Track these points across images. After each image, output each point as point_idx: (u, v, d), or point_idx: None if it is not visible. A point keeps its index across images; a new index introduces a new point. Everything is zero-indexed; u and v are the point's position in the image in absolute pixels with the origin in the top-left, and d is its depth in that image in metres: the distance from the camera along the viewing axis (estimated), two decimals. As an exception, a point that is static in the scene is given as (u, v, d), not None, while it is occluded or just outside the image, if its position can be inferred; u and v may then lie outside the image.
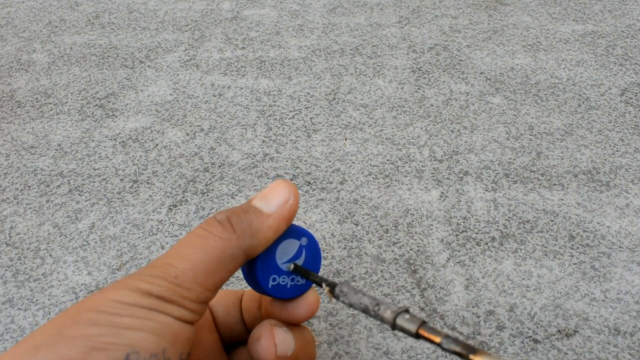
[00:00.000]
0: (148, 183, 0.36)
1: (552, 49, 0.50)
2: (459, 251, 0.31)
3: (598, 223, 0.33)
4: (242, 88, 0.45)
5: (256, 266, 0.20)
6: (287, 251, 0.20)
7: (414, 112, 0.42)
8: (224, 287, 0.31)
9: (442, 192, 0.35)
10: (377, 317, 0.18)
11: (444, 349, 0.17)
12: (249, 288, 0.22)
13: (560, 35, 0.52)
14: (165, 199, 0.35)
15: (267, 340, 0.20)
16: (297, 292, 0.21)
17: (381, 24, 0.54)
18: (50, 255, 0.31)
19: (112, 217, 0.34)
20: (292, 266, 0.20)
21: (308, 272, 0.20)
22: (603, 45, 0.51)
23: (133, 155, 0.38)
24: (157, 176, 0.36)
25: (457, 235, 0.32)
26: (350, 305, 0.19)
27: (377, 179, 0.36)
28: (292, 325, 0.21)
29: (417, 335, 0.17)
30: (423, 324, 0.17)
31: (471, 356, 0.16)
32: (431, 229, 0.32)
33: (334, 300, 0.20)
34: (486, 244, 0.31)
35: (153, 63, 0.49)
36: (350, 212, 0.33)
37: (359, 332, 0.27)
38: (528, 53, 0.49)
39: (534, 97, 0.44)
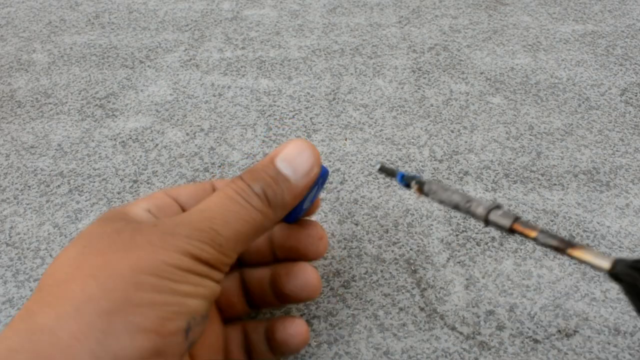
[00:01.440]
0: (148, 183, 0.36)
1: (552, 49, 0.50)
2: (459, 251, 0.31)
3: (598, 223, 0.33)
4: (242, 88, 0.45)
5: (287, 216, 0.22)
6: None
7: (414, 112, 0.42)
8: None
9: (442, 192, 0.35)
10: (469, 213, 0.19)
11: (540, 244, 0.17)
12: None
13: (560, 35, 0.52)
14: (165, 199, 0.35)
15: (327, 241, 0.23)
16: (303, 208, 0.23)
17: (381, 24, 0.54)
18: (50, 256, 0.31)
19: (112, 217, 0.34)
20: (378, 166, 0.22)
21: (394, 171, 0.21)
22: (603, 45, 0.51)
23: (133, 155, 0.38)
24: (157, 176, 0.37)
25: (457, 235, 0.32)
26: (441, 202, 0.20)
27: (377, 179, 0.36)
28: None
29: (511, 231, 0.17)
30: (517, 219, 0.17)
31: (569, 250, 0.16)
32: (431, 229, 0.32)
33: (422, 197, 0.21)
34: (486, 244, 0.31)
35: (153, 63, 0.49)
36: (350, 212, 0.33)
37: (359, 332, 0.27)
38: (528, 53, 0.49)
39: (534, 97, 0.44)
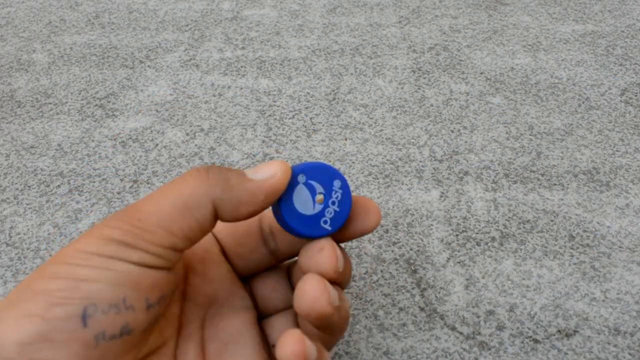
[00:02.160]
0: (148, 183, 0.36)
1: (552, 49, 0.50)
2: (459, 251, 0.31)
3: (598, 223, 0.33)
4: (242, 88, 0.45)
5: (284, 218, 0.20)
6: (304, 198, 0.20)
7: (414, 112, 0.42)
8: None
9: (442, 192, 0.35)
10: None
11: None
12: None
13: (560, 35, 0.52)
14: (165, 199, 0.35)
15: (331, 252, 0.19)
16: (339, 221, 0.20)
17: (381, 24, 0.54)
18: (50, 255, 0.31)
19: (112, 217, 0.34)
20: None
21: None
22: (603, 45, 0.51)
23: (133, 155, 0.38)
24: (157, 176, 0.36)
25: (457, 235, 0.32)
26: None
27: (377, 179, 0.36)
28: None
29: None
30: None
31: None
32: (431, 229, 0.32)
33: None
34: (486, 244, 0.31)
35: (153, 63, 0.49)
36: (350, 212, 0.33)
37: (359, 332, 0.27)
38: (528, 53, 0.49)
39: (534, 97, 0.44)
